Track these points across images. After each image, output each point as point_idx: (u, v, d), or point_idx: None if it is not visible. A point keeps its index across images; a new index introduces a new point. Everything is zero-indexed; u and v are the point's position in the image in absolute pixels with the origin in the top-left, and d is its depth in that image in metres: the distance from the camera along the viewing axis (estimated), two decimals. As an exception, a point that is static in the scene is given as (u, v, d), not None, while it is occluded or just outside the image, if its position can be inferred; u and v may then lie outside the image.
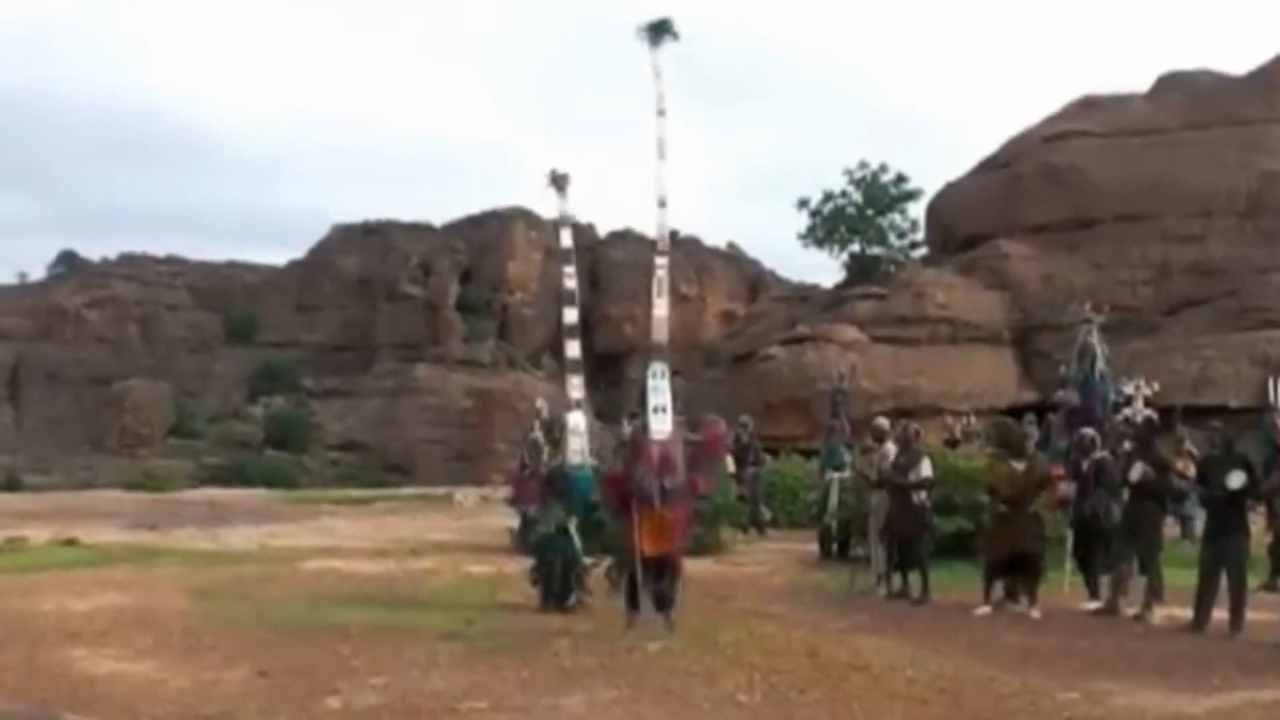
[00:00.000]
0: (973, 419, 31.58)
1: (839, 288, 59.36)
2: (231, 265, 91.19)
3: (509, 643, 13.04)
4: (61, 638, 13.62)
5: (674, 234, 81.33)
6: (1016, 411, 33.38)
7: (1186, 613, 14.80)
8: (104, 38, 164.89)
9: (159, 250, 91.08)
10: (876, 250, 61.57)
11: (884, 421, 19.62)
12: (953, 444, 25.87)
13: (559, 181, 18.35)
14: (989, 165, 57.81)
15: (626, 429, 26.56)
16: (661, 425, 13.71)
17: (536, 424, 27.19)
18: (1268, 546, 17.57)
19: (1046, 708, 10.45)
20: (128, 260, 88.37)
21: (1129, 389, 19.90)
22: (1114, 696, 10.88)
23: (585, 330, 76.59)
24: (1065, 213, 51.90)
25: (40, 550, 24.18)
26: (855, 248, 60.67)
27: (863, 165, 60.06)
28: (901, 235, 62.15)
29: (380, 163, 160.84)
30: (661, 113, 15.24)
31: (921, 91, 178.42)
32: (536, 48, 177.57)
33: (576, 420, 16.87)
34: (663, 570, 13.49)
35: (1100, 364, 18.85)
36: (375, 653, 12.53)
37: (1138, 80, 70.20)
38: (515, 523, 25.71)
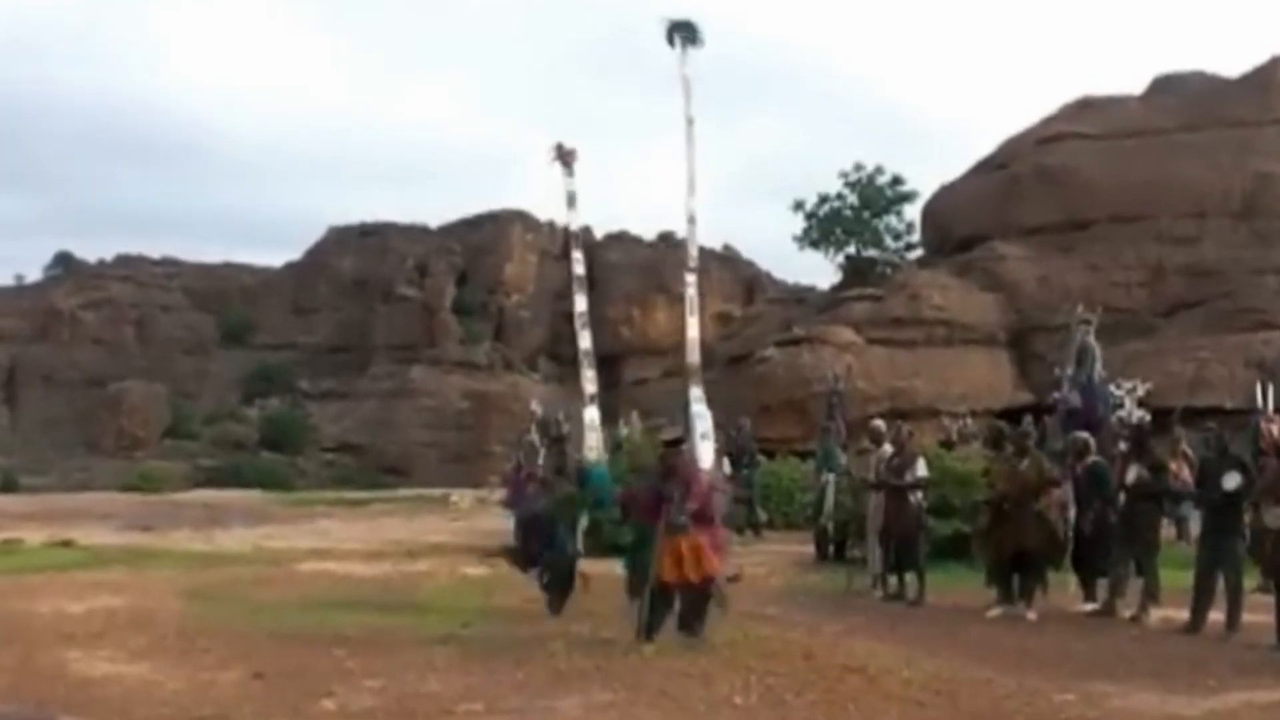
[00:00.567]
0: (969, 421, 31.63)
1: (835, 289, 59.42)
2: (227, 267, 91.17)
3: (505, 645, 13.03)
4: (57, 639, 13.62)
5: (669, 236, 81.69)
6: (1012, 413, 33.38)
7: (1183, 614, 14.79)
8: (100, 39, 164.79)
9: (155, 252, 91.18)
10: (872, 252, 61.66)
11: (880, 424, 19.61)
12: (949, 445, 25.89)
13: (565, 156, 17.58)
14: (984, 167, 57.87)
15: (624, 430, 26.66)
16: (707, 453, 13.41)
17: (533, 426, 27.24)
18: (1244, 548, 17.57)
19: (1043, 709, 10.43)
20: (123, 262, 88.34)
21: (1122, 391, 19.91)
22: (1110, 698, 10.87)
23: (581, 332, 74.93)
24: (1060, 214, 51.96)
25: (36, 552, 24.22)
26: (851, 249, 60.79)
27: (858, 167, 60.22)
28: (897, 237, 62.24)
29: (376, 164, 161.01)
30: (690, 120, 14.82)
31: (917, 94, 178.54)
32: (532, 50, 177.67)
33: (592, 416, 16.49)
34: (689, 598, 13.15)
35: (1099, 365, 18.89)
36: (370, 655, 12.52)
37: (1133, 82, 70.11)
38: (511, 523, 25.77)
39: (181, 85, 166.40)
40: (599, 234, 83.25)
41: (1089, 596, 16.55)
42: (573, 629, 14.07)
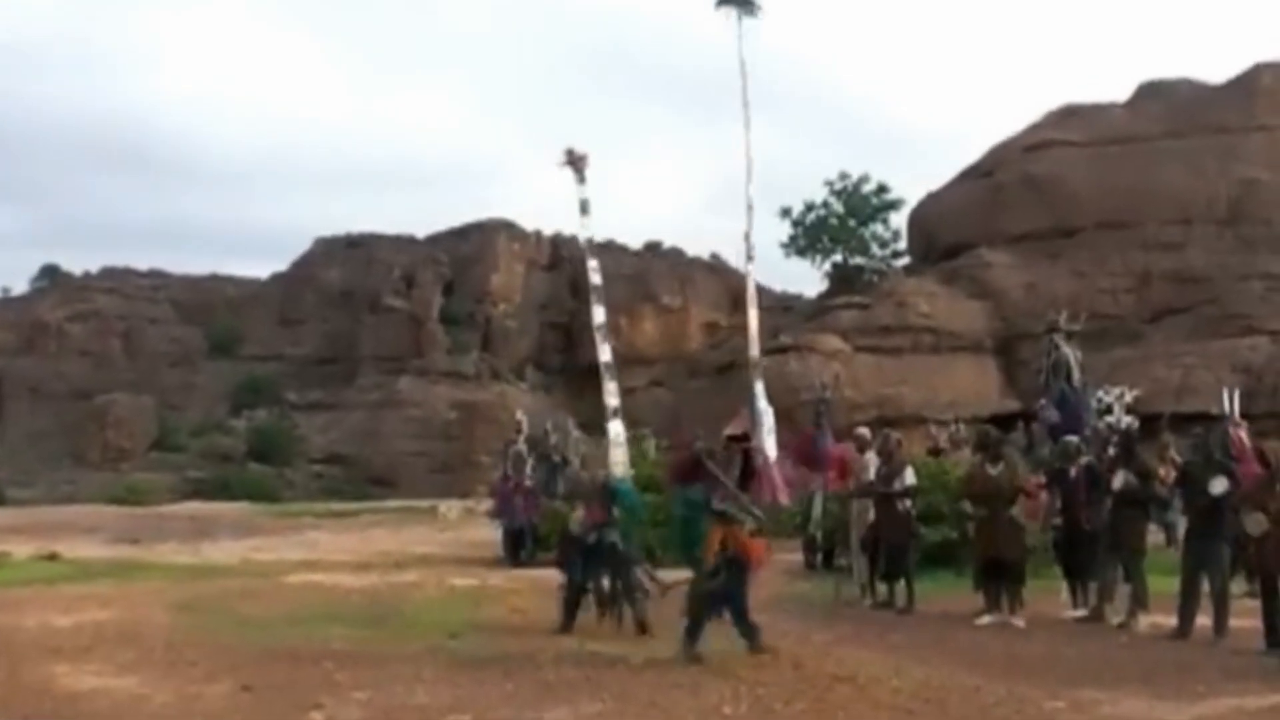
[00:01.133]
0: (961, 427, 31.63)
1: (822, 297, 59.62)
2: (214, 278, 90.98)
3: (493, 656, 13.01)
4: (44, 653, 13.56)
5: (655, 245, 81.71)
6: (999, 420, 33.46)
7: (1171, 620, 14.80)
8: (87, 52, 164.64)
9: (141, 264, 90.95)
10: (859, 260, 61.85)
11: (865, 432, 19.60)
12: (936, 453, 25.87)
13: (577, 162, 17.11)
14: (970, 175, 58.09)
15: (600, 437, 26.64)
16: (770, 449, 13.09)
17: (519, 437, 27.25)
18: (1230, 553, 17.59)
19: (1032, 716, 10.44)
20: (110, 274, 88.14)
21: (1110, 397, 19.93)
22: (1100, 705, 10.88)
23: (569, 341, 77.03)
24: (1046, 221, 52.17)
25: (22, 565, 24.13)
26: (838, 257, 60.98)
27: (844, 176, 60.48)
28: (884, 245, 62.45)
29: (362, 175, 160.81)
30: (746, 104, 14.23)
31: (902, 102, 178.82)
32: (518, 60, 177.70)
33: (617, 430, 15.99)
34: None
35: (1075, 374, 18.89)
36: (358, 667, 12.48)
37: (1118, 89, 70.51)
38: (499, 534, 25.77)
39: (167, 97, 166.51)
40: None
41: (1078, 603, 16.58)
42: (561, 640, 14.06)
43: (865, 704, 10.83)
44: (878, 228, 63.26)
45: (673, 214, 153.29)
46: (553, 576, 18.78)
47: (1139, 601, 15.59)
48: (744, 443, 13.37)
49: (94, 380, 76.64)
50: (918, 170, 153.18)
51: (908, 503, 17.63)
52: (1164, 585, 15.74)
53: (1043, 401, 20.31)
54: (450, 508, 42.07)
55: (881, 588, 17.79)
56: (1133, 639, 14.70)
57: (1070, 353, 19.25)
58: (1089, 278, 49.52)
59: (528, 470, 25.46)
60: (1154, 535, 19.16)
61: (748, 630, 12.98)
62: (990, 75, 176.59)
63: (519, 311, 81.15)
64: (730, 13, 14.28)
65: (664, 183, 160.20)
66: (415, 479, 65.10)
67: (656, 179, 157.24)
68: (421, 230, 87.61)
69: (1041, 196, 52.73)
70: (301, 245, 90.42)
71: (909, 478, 17.66)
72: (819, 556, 21.96)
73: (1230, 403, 18.00)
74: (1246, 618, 14.16)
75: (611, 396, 16.09)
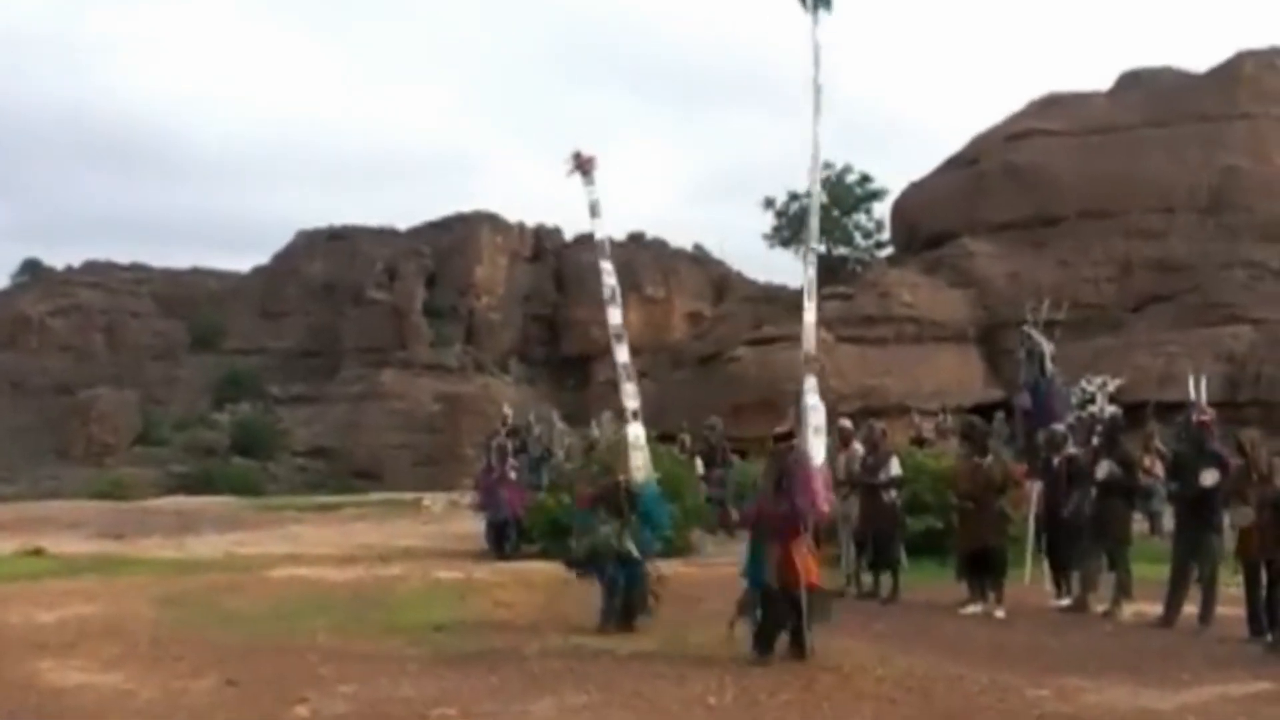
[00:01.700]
0: (949, 417, 31.71)
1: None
2: (196, 272, 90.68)
3: (478, 649, 13.01)
4: (28, 649, 13.53)
5: (639, 236, 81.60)
6: (983, 409, 33.48)
7: (1155, 608, 14.85)
8: (68, 44, 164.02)
9: (123, 258, 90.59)
10: (842, 250, 61.86)
11: (848, 423, 19.57)
12: (920, 443, 25.91)
13: (584, 165, 16.50)
14: (953, 164, 58.13)
15: (595, 431, 26.64)
16: (819, 449, 12.65)
17: (502, 430, 27.21)
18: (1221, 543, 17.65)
19: (1016, 705, 10.45)
20: (92, 268, 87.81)
21: (1093, 387, 19.96)
22: (1084, 693, 10.90)
23: (553, 333, 76.87)
24: (1029, 210, 52.23)
25: (6, 561, 24.03)
26: (821, 248, 60.88)
27: (827, 165, 60.26)
28: (867, 235, 62.48)
29: (345, 167, 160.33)
30: (818, 88, 13.76)
31: (885, 91, 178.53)
32: (500, 51, 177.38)
33: (637, 433, 15.52)
34: (796, 604, 12.37)
35: (1049, 364, 18.94)
36: (344, 661, 12.48)
37: (1100, 78, 70.55)
38: (483, 527, 25.74)
39: (149, 91, 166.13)
40: (568, 235, 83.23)
41: (1062, 592, 16.61)
42: (546, 633, 14.06)
43: (849, 693, 10.84)
44: (861, 218, 63.33)
45: (656, 205, 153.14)
46: (536, 569, 18.81)
47: (1124, 590, 15.63)
48: (788, 441, 13.02)
49: (77, 375, 76.42)
50: (901, 160, 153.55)
51: (894, 493, 17.66)
52: (1148, 573, 15.79)
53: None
54: (434, 500, 41.96)
55: (866, 578, 17.82)
56: (1117, 628, 14.74)
57: (1043, 342, 19.29)
58: (1072, 266, 49.58)
59: (511, 463, 25.41)
60: (1139, 524, 19.25)
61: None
62: (973, 65, 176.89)
63: (502, 304, 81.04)
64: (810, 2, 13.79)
65: (646, 174, 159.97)
66: (399, 472, 65.00)
67: (639, 170, 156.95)
68: (404, 223, 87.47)
69: (1024, 186, 52.79)
70: (283, 238, 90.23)
71: (894, 468, 17.69)
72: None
73: (1198, 391, 18.10)
74: (1231, 606, 14.20)
75: (630, 399, 15.61)
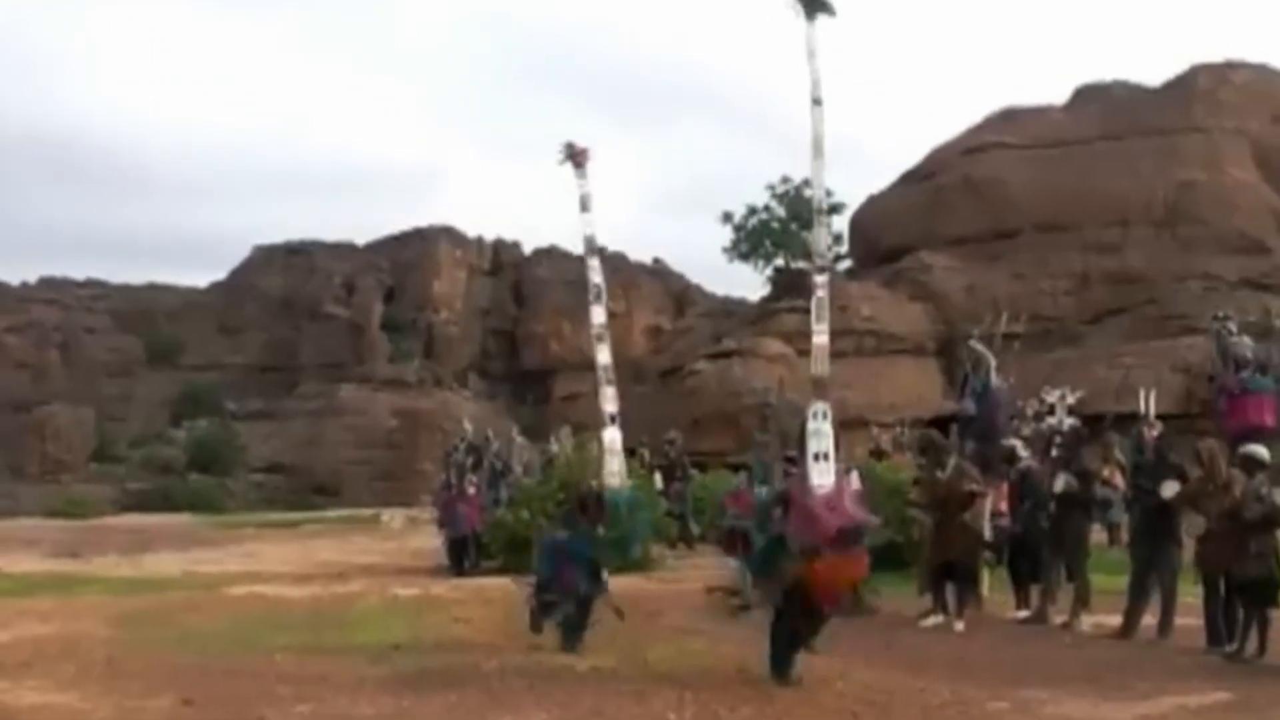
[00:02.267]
0: (906, 430, 31.79)
1: (765, 301, 59.66)
2: (152, 287, 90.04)
3: (436, 667, 12.92)
4: (-19, 670, 13.38)
5: (601, 250, 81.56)
6: (941, 422, 33.55)
7: (1114, 619, 14.90)
8: (21, 56, 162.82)
9: (79, 273, 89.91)
10: (801, 264, 61.87)
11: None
12: (878, 455, 25.96)
13: (577, 157, 16.18)
14: (910, 178, 58.36)
15: (554, 446, 26.62)
16: (823, 475, 12.28)
17: (461, 445, 27.15)
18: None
19: (976, 717, 10.47)
20: (47, 284, 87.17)
21: (1052, 398, 20.04)
22: (1044, 704, 10.91)
23: (512, 347, 76.82)
24: (986, 224, 52.48)
25: (-41, 581, 23.85)
26: (780, 261, 60.97)
27: (785, 179, 60.36)
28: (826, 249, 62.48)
29: (301, 182, 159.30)
30: (817, 101, 13.59)
31: (842, 105, 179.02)
32: (458, 65, 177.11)
33: (613, 438, 15.36)
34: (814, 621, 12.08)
35: (993, 373, 19.09)
36: (301, 679, 12.38)
37: (1056, 92, 71.04)
38: (441, 542, 25.69)
39: (103, 104, 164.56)
40: (527, 249, 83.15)
41: (1021, 604, 16.65)
42: (505, 650, 13.98)
43: (810, 707, 10.82)
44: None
45: (614, 219, 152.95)
46: (496, 585, 18.73)
47: (1082, 601, 15.68)
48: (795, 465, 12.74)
49: (32, 392, 75.79)
50: (859, 174, 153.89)
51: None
52: (1107, 584, 15.85)
53: (962, 399, 20.54)
54: (393, 516, 41.95)
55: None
56: (1076, 639, 14.79)
57: (987, 354, 19.51)
58: (1028, 279, 49.83)
59: (470, 478, 25.36)
60: (1097, 535, 19.34)
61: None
62: (930, 79, 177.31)
63: (461, 318, 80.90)
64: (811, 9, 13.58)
65: (606, 187, 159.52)
66: (357, 487, 64.81)
67: (598, 184, 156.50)
68: (361, 237, 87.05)
69: (981, 199, 53.04)
70: (240, 253, 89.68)
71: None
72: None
73: (1146, 404, 18.22)
74: (1189, 616, 14.25)
75: (609, 402, 15.35)
